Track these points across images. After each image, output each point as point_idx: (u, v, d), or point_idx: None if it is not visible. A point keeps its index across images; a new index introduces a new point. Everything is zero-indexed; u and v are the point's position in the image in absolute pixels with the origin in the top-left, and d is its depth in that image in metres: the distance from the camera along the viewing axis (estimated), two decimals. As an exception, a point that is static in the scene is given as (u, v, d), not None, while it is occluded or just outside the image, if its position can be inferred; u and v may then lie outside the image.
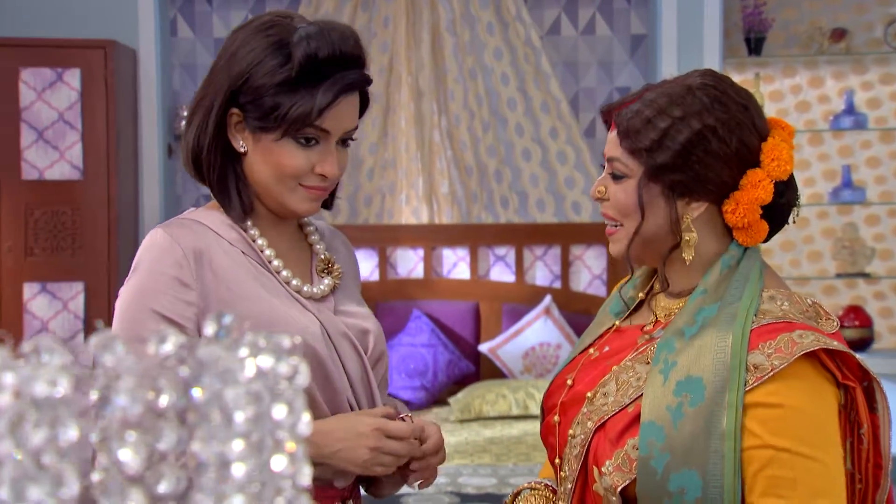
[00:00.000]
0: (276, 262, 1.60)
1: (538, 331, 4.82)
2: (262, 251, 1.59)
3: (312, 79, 1.50)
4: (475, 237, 5.11)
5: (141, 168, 5.17)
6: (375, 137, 5.19)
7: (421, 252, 5.12)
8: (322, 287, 1.63)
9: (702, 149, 1.44)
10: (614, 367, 1.52)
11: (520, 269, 5.13)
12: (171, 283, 1.50)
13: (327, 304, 1.63)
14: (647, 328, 1.55)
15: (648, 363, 1.47)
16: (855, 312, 5.31)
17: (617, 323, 1.62)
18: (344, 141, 1.58)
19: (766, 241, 1.53)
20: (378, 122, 5.20)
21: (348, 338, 1.61)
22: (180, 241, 1.52)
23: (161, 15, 5.21)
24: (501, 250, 5.20)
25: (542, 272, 5.17)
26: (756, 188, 1.45)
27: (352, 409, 1.60)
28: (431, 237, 5.10)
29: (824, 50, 5.47)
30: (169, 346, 0.49)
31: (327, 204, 1.68)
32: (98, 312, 4.82)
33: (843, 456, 1.40)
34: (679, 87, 1.48)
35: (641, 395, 1.43)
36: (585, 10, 5.37)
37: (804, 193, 5.77)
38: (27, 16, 5.10)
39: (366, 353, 1.63)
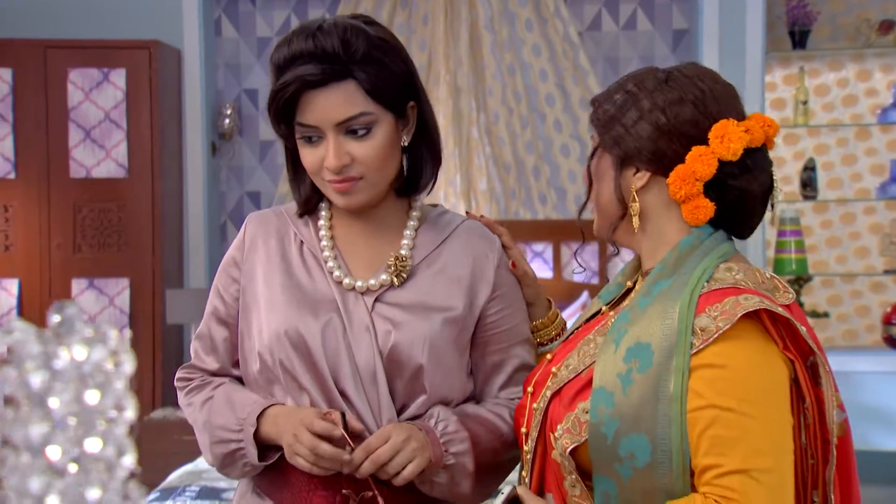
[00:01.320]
0: (326, 253, 1.71)
1: (576, 327, 4.81)
2: (321, 241, 1.72)
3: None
4: (513, 233, 5.08)
5: (185, 166, 5.27)
6: (414, 134, 5.23)
7: (459, 248, 5.16)
8: (371, 282, 1.68)
9: (647, 120, 1.51)
10: (579, 342, 1.58)
11: (557, 265, 5.13)
12: (230, 261, 1.77)
13: (368, 297, 1.67)
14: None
15: (606, 335, 1.52)
16: (903, 309, 5.22)
17: (604, 308, 1.67)
18: (353, 131, 1.60)
19: (744, 236, 1.57)
20: (417, 120, 5.23)
21: (370, 332, 1.65)
22: (247, 227, 1.78)
23: (205, 15, 5.30)
24: (539, 246, 5.20)
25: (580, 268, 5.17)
26: (697, 162, 1.49)
27: (348, 398, 1.63)
28: (469, 233, 5.12)
29: (871, 42, 5.38)
30: (11, 338, 0.52)
31: (415, 189, 1.73)
32: (143, 307, 4.93)
33: (791, 421, 1.41)
34: (648, 69, 1.58)
35: (595, 362, 1.48)
36: (627, 6, 5.35)
37: (851, 188, 5.68)
38: (75, 18, 5.23)
39: (382, 352, 1.64)
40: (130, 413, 0.51)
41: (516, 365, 1.76)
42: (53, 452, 0.47)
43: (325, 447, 1.54)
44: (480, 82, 5.22)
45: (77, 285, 4.93)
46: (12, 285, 4.91)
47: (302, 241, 1.74)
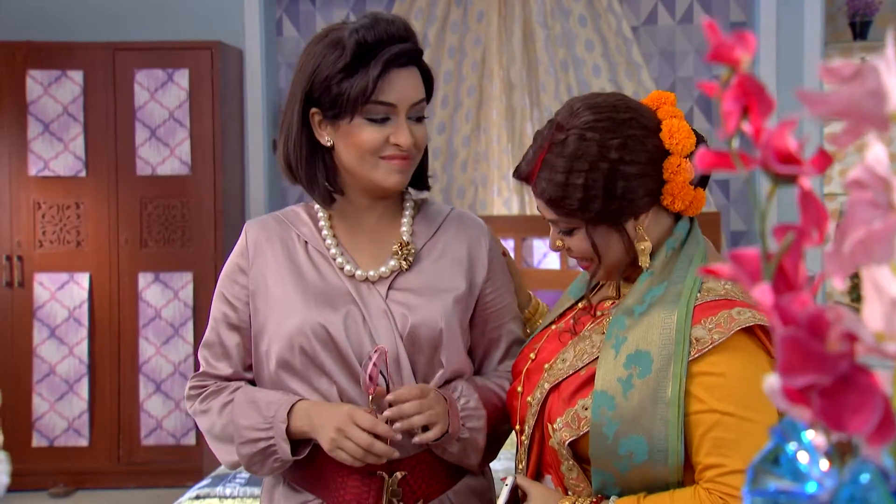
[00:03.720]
0: (333, 250, 1.80)
1: (629, 321, 4.82)
2: (325, 239, 1.80)
3: (366, 60, 1.69)
4: (565, 228, 5.16)
5: (247, 163, 5.42)
6: (468, 130, 5.29)
7: (512, 242, 5.19)
8: (382, 270, 1.78)
9: (622, 179, 1.54)
10: (573, 339, 1.66)
11: (610, 259, 5.15)
12: (234, 268, 1.84)
13: (381, 286, 1.77)
14: (606, 304, 1.68)
15: (604, 333, 1.60)
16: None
17: (577, 303, 1.76)
18: (418, 118, 1.74)
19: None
20: (471, 116, 5.30)
21: (388, 318, 1.74)
22: (248, 233, 1.84)
23: (266, 16, 5.43)
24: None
25: (634, 262, 5.19)
26: (678, 173, 1.56)
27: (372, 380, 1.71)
28: (522, 228, 5.17)
29: (935, 32, 5.28)
30: None
31: (422, 184, 1.85)
32: (206, 301, 5.07)
33: None
34: (571, 140, 1.55)
35: (594, 360, 1.57)
36: (683, -1, 5.34)
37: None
38: (140, 20, 5.40)
39: (402, 334, 1.73)
40: None
41: (511, 340, 1.88)
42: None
43: (380, 446, 1.63)
44: (534, 78, 5.26)
45: (143, 279, 5.11)
46: (83, 279, 5.10)
47: (306, 242, 1.82)
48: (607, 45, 5.20)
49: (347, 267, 1.78)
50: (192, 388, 1.88)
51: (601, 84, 5.19)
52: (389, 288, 1.77)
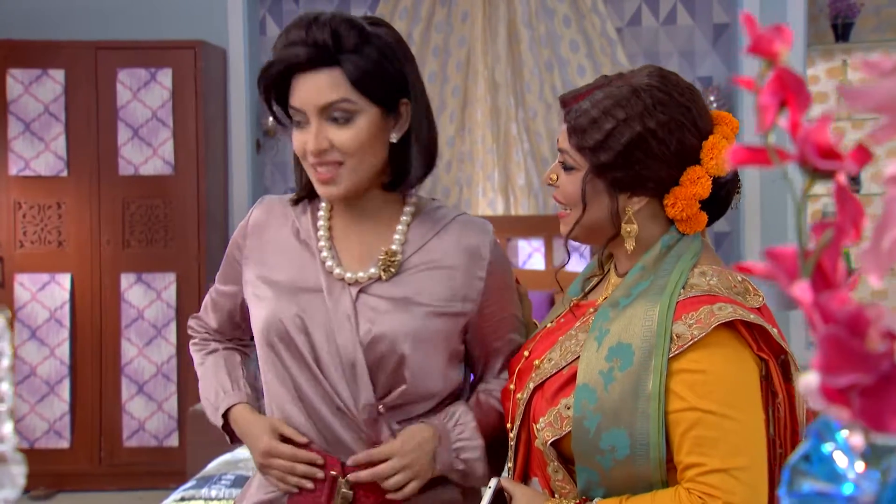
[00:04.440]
0: (322, 243, 1.77)
1: (613, 321, 4.82)
2: (318, 230, 1.78)
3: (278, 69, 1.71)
4: (550, 228, 5.15)
5: (230, 163, 5.39)
6: (453, 131, 5.28)
7: (497, 243, 5.20)
8: (360, 275, 1.73)
9: (642, 150, 1.53)
10: (560, 337, 1.64)
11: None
12: (234, 243, 1.86)
13: (354, 288, 1.73)
14: (599, 302, 1.65)
15: (588, 332, 1.58)
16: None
17: (574, 300, 1.73)
18: (335, 118, 1.66)
19: (707, 226, 1.61)
20: (455, 116, 5.29)
21: (351, 322, 1.70)
22: (252, 214, 1.86)
23: (250, 15, 5.41)
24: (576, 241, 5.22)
25: (619, 263, 5.19)
26: (695, 185, 1.54)
27: (331, 382, 1.70)
28: (507, 228, 5.17)
29: (916, 34, 5.31)
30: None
31: (399, 185, 1.75)
32: (189, 302, 5.05)
33: (764, 419, 1.49)
34: (626, 87, 1.56)
35: (576, 358, 1.55)
36: (666, 0, 5.35)
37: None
38: (123, 19, 5.37)
39: (363, 342, 1.69)
40: (7, 386, 0.58)
41: (513, 349, 1.83)
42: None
43: (301, 467, 1.71)
44: (518, 78, 5.26)
45: (126, 280, 5.07)
46: (65, 280, 5.06)
47: (298, 229, 1.80)
48: (592, 46, 5.20)
49: (329, 263, 1.75)
50: (189, 326, 2.02)
51: (586, 85, 5.19)
52: (361, 292, 1.73)
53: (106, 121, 5.05)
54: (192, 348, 2.01)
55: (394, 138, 1.72)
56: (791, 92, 0.48)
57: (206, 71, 5.07)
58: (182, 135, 5.04)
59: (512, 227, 5.20)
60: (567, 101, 1.62)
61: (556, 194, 1.64)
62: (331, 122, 1.66)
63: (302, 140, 1.68)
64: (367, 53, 1.65)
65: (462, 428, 1.73)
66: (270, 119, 5.39)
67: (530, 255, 5.30)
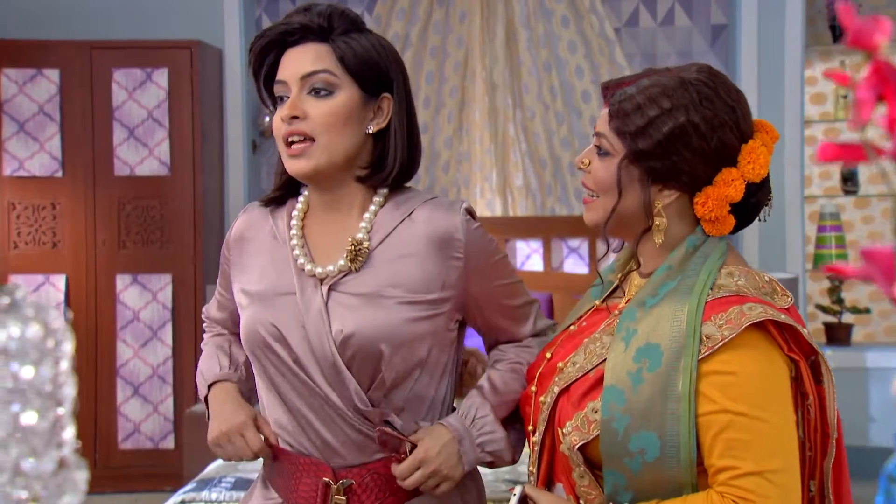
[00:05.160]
0: (294, 241, 1.75)
1: (612, 322, 4.81)
2: (291, 229, 1.76)
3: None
4: (548, 229, 5.14)
5: (226, 164, 5.36)
6: (451, 131, 5.27)
7: (495, 244, 5.18)
8: (330, 268, 1.70)
9: (683, 142, 1.52)
10: (585, 340, 1.62)
11: (593, 260, 5.13)
12: (222, 257, 1.87)
13: (325, 285, 1.70)
14: (621, 305, 1.63)
15: (613, 334, 1.56)
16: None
17: (597, 303, 1.71)
18: (316, 91, 1.67)
19: (732, 233, 1.60)
20: (453, 116, 5.27)
21: (323, 319, 1.67)
22: (235, 225, 1.85)
23: (246, 15, 5.38)
24: (574, 242, 5.21)
25: (617, 264, 5.17)
26: (728, 186, 1.53)
27: (316, 384, 1.68)
28: (505, 229, 5.15)
29: (914, 36, 5.32)
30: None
31: (379, 178, 1.73)
32: (185, 303, 5.02)
33: (795, 420, 1.48)
34: (674, 78, 1.55)
35: (602, 361, 1.53)
36: (664, 1, 5.34)
37: (893, 183, 5.61)
38: (118, 19, 5.33)
39: (336, 340, 1.66)
40: (70, 389, 0.56)
41: (528, 312, 1.83)
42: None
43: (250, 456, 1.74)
44: (516, 79, 5.24)
45: (121, 281, 5.04)
46: (59, 281, 5.03)
47: (274, 235, 1.78)
48: (590, 47, 5.19)
49: (301, 260, 1.72)
50: (203, 313, 2.04)
51: (584, 86, 5.18)
52: (332, 289, 1.69)
53: (101, 121, 5.02)
54: (204, 332, 2.03)
55: (370, 129, 1.72)
56: (890, 86, 0.46)
57: (202, 71, 5.04)
58: (178, 135, 5.02)
59: (510, 228, 5.19)
60: (610, 87, 1.61)
61: (586, 179, 1.62)
62: (311, 93, 1.68)
63: (280, 114, 1.69)
64: (357, 38, 1.70)
65: (482, 422, 1.72)
66: (266, 119, 5.38)
67: (528, 256, 5.28)
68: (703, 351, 1.45)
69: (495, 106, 5.20)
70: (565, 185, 5.23)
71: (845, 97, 5.33)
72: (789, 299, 1.56)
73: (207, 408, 1.84)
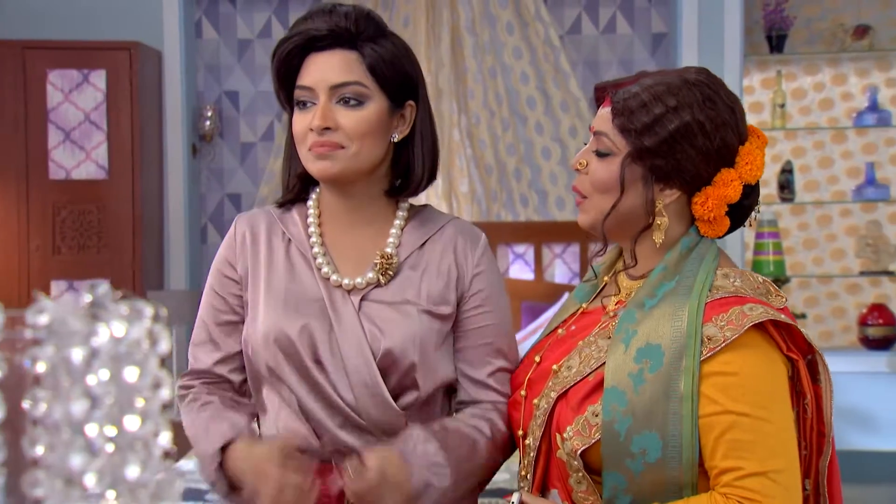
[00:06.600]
0: (316, 249, 1.73)
1: (557, 328, 4.83)
2: (310, 237, 1.73)
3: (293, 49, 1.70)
4: (494, 235, 5.13)
5: (166, 168, 5.26)
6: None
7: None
8: (358, 281, 1.70)
9: (688, 140, 1.52)
10: (579, 343, 1.61)
11: (539, 266, 5.15)
12: (223, 262, 1.78)
13: (355, 296, 1.69)
14: (611, 308, 1.63)
15: (610, 337, 1.55)
16: (879, 311, 5.28)
17: (583, 306, 1.70)
18: (346, 100, 1.65)
19: (722, 237, 1.61)
20: (398, 122, 5.24)
21: (361, 334, 1.66)
22: (238, 225, 1.79)
23: (186, 17, 5.29)
24: (520, 248, 5.22)
25: (561, 269, 5.19)
26: (727, 187, 1.54)
27: (340, 395, 1.64)
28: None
29: (847, 47, 5.44)
30: (44, 318, 0.53)
31: (407, 189, 1.73)
32: (123, 309, 4.90)
33: (793, 419, 1.49)
34: (676, 78, 1.56)
35: (601, 364, 1.52)
36: (606, 9, 5.38)
37: (828, 191, 5.74)
38: (54, 19, 5.20)
39: (375, 354, 1.65)
40: (166, 392, 0.52)
41: (497, 366, 1.75)
42: (91, 430, 0.48)
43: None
44: (462, 85, 5.24)
45: (56, 287, 4.91)
46: (-10, 287, 4.87)
47: (290, 240, 1.75)
48: (535, 53, 5.20)
49: (325, 269, 1.71)
50: (179, 387, 1.78)
51: (529, 92, 5.20)
52: (363, 299, 1.69)
53: (35, 123, 4.88)
54: (184, 407, 1.77)
55: (395, 137, 1.71)
56: None
57: (141, 73, 4.94)
58: (116, 138, 4.90)
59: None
60: (606, 87, 1.60)
61: (580, 182, 1.61)
62: (340, 103, 1.66)
63: (305, 120, 1.67)
64: (384, 44, 1.68)
65: (424, 447, 1.61)
66: (207, 123, 5.29)
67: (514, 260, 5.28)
68: (705, 352, 1.45)
69: (441, 111, 5.18)
70: (511, 191, 5.24)
71: (782, 106, 5.42)
72: (783, 300, 1.57)
73: (224, 476, 1.63)
